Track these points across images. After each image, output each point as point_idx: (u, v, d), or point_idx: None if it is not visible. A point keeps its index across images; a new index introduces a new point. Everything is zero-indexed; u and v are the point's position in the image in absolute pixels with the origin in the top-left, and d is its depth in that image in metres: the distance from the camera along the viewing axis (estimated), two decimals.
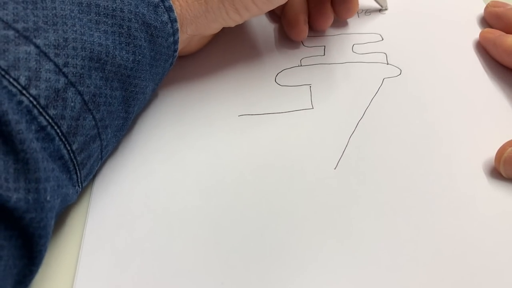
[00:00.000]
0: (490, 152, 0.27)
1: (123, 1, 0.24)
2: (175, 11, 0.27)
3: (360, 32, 0.35)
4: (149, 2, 0.25)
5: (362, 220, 0.25)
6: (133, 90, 0.25)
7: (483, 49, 0.34)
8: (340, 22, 0.36)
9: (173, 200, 0.26)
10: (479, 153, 0.28)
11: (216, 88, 0.32)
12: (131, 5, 0.24)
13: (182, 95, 0.31)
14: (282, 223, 0.25)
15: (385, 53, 0.34)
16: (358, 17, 0.37)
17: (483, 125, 0.29)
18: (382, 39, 0.35)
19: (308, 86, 0.32)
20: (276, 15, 0.37)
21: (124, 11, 0.24)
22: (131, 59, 0.25)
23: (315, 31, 0.35)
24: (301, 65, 0.33)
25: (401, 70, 0.33)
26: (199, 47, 0.33)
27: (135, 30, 0.25)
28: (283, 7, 0.35)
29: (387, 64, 0.33)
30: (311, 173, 0.27)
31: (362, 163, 0.28)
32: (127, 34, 0.24)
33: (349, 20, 0.36)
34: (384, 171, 0.27)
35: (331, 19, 0.34)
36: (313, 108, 0.31)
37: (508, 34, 0.32)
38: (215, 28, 0.30)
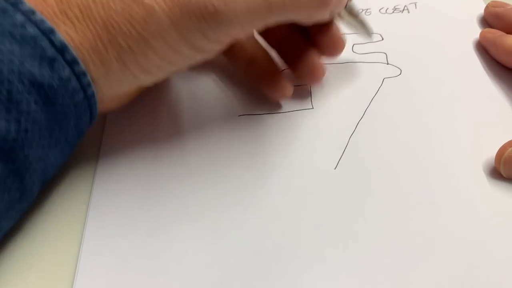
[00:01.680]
0: (490, 152, 0.27)
1: (1, 60, 0.20)
2: (81, 64, 0.22)
3: None
4: (41, 56, 0.21)
5: (362, 220, 0.25)
6: (24, 161, 0.21)
7: (483, 49, 0.34)
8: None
9: (173, 200, 0.26)
10: (479, 153, 0.28)
11: (216, 88, 0.32)
12: (13, 63, 0.20)
13: (181, 95, 0.31)
14: (282, 222, 0.25)
15: (385, 53, 0.34)
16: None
17: (483, 125, 0.29)
18: (382, 39, 0.35)
19: (308, 86, 0.32)
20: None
21: (2, 72, 0.20)
22: (13, 129, 0.20)
23: (304, 86, 0.31)
24: None
25: (401, 70, 0.33)
26: (128, 100, 0.28)
27: (18, 94, 0.20)
28: (246, 68, 0.30)
29: (387, 64, 0.33)
30: (311, 173, 0.27)
31: (362, 163, 0.28)
32: (6, 100, 0.20)
33: None
34: (384, 171, 0.27)
35: (323, 70, 0.30)
36: (313, 108, 0.31)
37: (508, 34, 0.32)
38: (124, 89, 0.25)
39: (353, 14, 0.30)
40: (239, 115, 0.30)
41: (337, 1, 0.26)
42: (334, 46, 0.29)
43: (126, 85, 0.25)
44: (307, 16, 0.26)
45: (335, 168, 0.28)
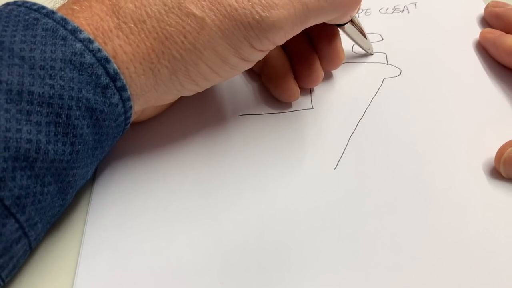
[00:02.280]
0: (490, 152, 0.27)
1: (63, 86, 0.21)
2: (128, 90, 0.23)
3: None
4: (96, 84, 0.22)
5: (362, 220, 0.25)
6: (71, 180, 0.23)
7: (483, 49, 0.34)
8: None
9: (173, 199, 0.26)
10: (479, 153, 0.28)
11: (216, 88, 0.32)
12: (72, 90, 0.21)
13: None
14: (282, 222, 0.25)
15: (385, 53, 0.34)
16: (358, 17, 0.37)
17: (483, 125, 0.29)
18: (382, 39, 0.35)
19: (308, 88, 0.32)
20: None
21: (63, 98, 0.21)
22: (68, 151, 0.22)
23: (302, 89, 0.31)
24: None
25: (401, 70, 0.33)
26: (157, 113, 0.30)
27: (75, 119, 0.22)
28: (262, 66, 0.31)
29: (387, 64, 0.33)
30: (311, 173, 0.27)
31: (362, 163, 0.28)
32: (65, 124, 0.21)
33: None
34: (384, 171, 0.27)
35: (321, 75, 0.31)
36: (313, 108, 0.31)
37: (508, 34, 0.32)
38: (169, 99, 0.27)
39: (357, 25, 0.31)
40: (239, 115, 0.30)
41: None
42: (335, 57, 0.31)
43: (172, 94, 0.26)
44: (340, 16, 0.27)
45: (335, 168, 0.28)
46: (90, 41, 0.22)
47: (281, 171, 0.27)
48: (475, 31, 0.35)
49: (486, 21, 0.35)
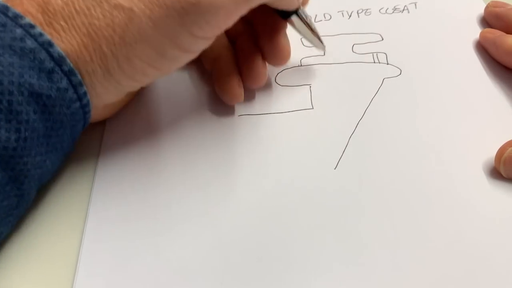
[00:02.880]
0: (490, 152, 0.27)
1: (2, 71, 0.20)
2: (78, 75, 0.23)
3: (360, 32, 0.35)
4: (40, 68, 0.21)
5: (362, 220, 0.25)
6: (23, 169, 0.22)
7: (483, 49, 0.34)
8: (340, 22, 0.36)
9: (173, 199, 0.26)
10: (479, 153, 0.28)
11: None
12: (13, 75, 0.21)
13: (182, 94, 0.32)
14: (282, 222, 0.25)
15: (385, 53, 0.34)
16: (358, 17, 0.37)
17: (483, 125, 0.29)
18: (382, 39, 0.35)
19: (308, 86, 0.32)
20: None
21: (3, 83, 0.20)
22: (13, 138, 0.21)
23: (246, 90, 0.30)
24: (301, 65, 0.33)
25: (401, 70, 0.33)
26: (112, 112, 0.29)
27: (18, 104, 0.21)
28: (213, 64, 0.31)
29: (387, 64, 0.33)
30: (311, 173, 0.27)
31: (362, 163, 0.28)
32: (7, 110, 0.21)
33: (349, 20, 0.36)
34: (384, 171, 0.27)
35: (264, 77, 0.30)
36: (313, 108, 0.31)
37: (508, 34, 0.32)
38: (110, 98, 0.26)
39: (306, 23, 0.29)
40: (239, 115, 0.30)
41: None
42: (278, 54, 0.29)
43: (112, 93, 0.25)
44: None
45: (335, 168, 0.28)
46: (32, 26, 0.21)
47: (281, 171, 0.27)
48: (475, 31, 0.35)
49: (486, 21, 0.35)
